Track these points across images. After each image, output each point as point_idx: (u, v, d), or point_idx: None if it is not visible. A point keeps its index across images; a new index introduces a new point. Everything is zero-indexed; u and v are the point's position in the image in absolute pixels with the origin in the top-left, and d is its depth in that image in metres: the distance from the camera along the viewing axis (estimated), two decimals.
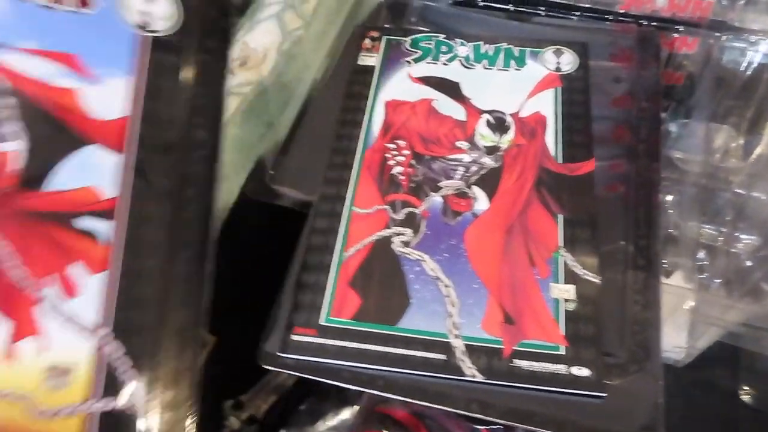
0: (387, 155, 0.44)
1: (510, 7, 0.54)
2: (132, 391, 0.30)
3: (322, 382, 0.37)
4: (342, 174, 0.44)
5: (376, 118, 0.46)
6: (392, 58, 0.49)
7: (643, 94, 0.49)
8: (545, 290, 0.39)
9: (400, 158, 0.44)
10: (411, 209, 0.42)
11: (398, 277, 0.39)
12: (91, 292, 0.31)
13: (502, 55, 0.49)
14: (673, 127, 0.55)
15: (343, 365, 0.37)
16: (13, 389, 0.29)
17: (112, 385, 0.30)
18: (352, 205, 0.42)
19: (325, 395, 0.46)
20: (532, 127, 0.45)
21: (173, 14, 0.35)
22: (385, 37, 0.50)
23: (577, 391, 0.36)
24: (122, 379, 0.30)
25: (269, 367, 0.38)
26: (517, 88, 0.47)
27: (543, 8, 0.53)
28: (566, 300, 0.38)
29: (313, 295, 0.39)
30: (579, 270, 0.39)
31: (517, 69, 0.49)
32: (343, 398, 0.45)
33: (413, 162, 0.44)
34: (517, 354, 0.37)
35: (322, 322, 0.38)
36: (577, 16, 0.53)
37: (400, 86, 0.48)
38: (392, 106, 0.47)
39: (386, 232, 0.41)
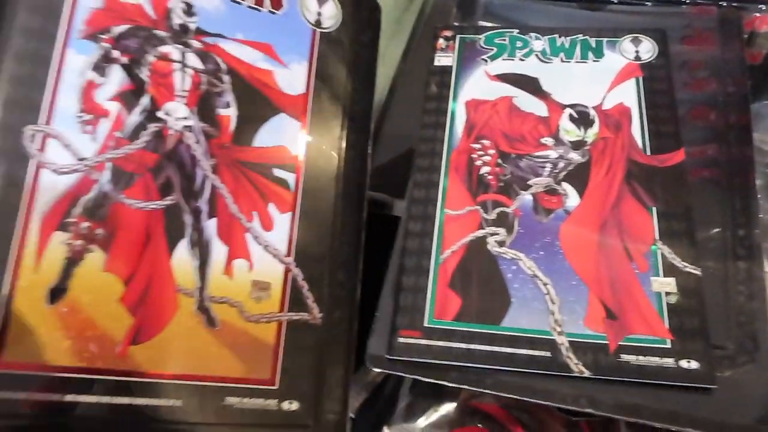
0: (473, 156, 0.45)
1: None
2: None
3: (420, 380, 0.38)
4: (430, 177, 0.44)
5: (458, 119, 0.47)
6: (468, 57, 0.50)
7: (727, 76, 0.48)
8: (645, 284, 0.39)
9: (487, 158, 0.45)
10: (503, 209, 0.43)
11: (497, 277, 0.40)
12: (281, 227, 0.38)
13: (579, 47, 0.49)
14: (753, 109, 0.54)
15: (449, 365, 0.38)
16: (230, 297, 0.36)
17: (296, 301, 0.38)
18: (443, 207, 0.43)
19: (422, 392, 0.47)
20: (616, 119, 0.45)
21: (336, 14, 0.44)
22: (458, 36, 0.51)
23: (687, 383, 0.36)
24: (303, 298, 0.38)
25: (377, 369, 0.39)
26: (597, 80, 0.47)
27: None
28: (667, 293, 0.38)
29: (414, 298, 0.40)
30: (678, 262, 0.39)
31: (595, 60, 0.48)
32: (439, 395, 0.46)
33: (500, 161, 0.44)
34: (623, 349, 0.37)
35: (426, 324, 0.39)
36: (651, 1, 0.52)
37: (479, 85, 0.48)
38: (473, 105, 0.47)
39: (480, 233, 0.42)
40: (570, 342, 0.37)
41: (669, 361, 0.36)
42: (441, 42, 0.51)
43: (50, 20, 0.34)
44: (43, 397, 0.30)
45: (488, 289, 0.40)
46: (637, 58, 0.48)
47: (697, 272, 0.39)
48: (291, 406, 0.36)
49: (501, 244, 0.41)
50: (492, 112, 0.47)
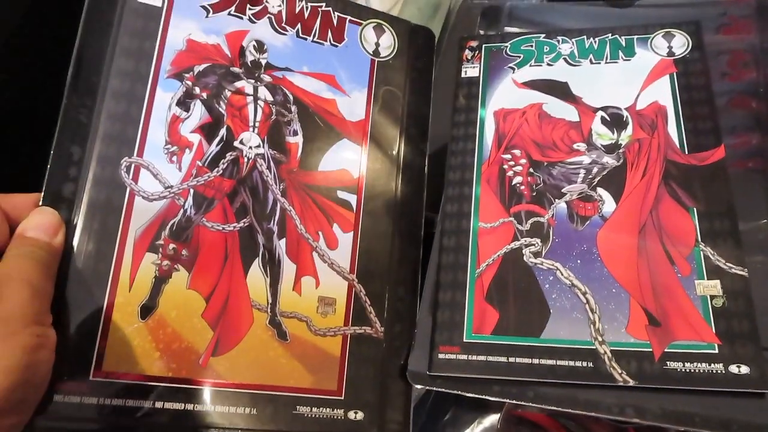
0: (504, 166, 0.45)
1: None
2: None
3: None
4: (462, 190, 0.45)
5: (488, 130, 0.47)
6: (495, 66, 0.50)
7: (767, 62, 0.46)
8: (689, 288, 0.38)
9: (518, 168, 0.45)
10: (537, 218, 0.42)
11: (534, 288, 0.40)
12: (344, 245, 0.41)
13: (608, 47, 0.48)
14: None
15: (491, 379, 0.38)
16: (299, 312, 0.39)
17: (359, 315, 0.40)
18: (477, 220, 0.43)
19: (466, 404, 0.47)
20: (651, 119, 0.44)
21: (392, 44, 0.47)
22: (484, 46, 0.51)
23: (739, 389, 0.35)
24: (366, 312, 0.40)
25: (419, 386, 0.40)
26: (629, 79, 0.46)
27: None
28: (712, 296, 0.37)
29: (452, 313, 0.40)
30: (723, 264, 0.38)
31: (626, 59, 0.47)
32: (483, 406, 0.47)
33: (532, 170, 0.44)
34: (669, 356, 0.36)
35: (465, 339, 0.39)
36: None
37: (507, 94, 0.48)
38: (501, 115, 0.47)
39: (515, 245, 0.42)
40: (612, 351, 0.37)
41: (718, 367, 0.35)
42: (467, 53, 0.51)
43: (143, 63, 0.39)
44: (135, 404, 0.34)
45: (526, 301, 0.40)
46: (671, 53, 0.47)
47: (744, 273, 0.38)
48: (356, 416, 0.38)
49: (537, 254, 0.41)
50: (521, 120, 0.46)
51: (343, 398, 0.38)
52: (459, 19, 0.57)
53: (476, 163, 0.45)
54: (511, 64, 0.49)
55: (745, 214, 0.40)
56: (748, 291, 0.37)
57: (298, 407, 0.37)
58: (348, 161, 0.43)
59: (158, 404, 0.34)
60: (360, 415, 0.38)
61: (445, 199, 0.45)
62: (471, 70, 0.50)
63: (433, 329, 0.40)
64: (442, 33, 0.56)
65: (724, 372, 0.35)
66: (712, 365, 0.35)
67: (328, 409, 0.37)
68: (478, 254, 0.42)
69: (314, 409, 0.37)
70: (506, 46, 0.50)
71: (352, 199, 0.42)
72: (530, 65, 0.49)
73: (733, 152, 0.43)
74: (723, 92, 0.46)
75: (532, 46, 0.50)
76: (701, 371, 0.35)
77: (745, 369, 0.35)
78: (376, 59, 0.46)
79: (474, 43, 0.51)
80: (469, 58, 0.51)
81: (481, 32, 0.54)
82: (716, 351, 0.36)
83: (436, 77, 0.49)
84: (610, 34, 0.49)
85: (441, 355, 0.39)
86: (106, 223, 0.35)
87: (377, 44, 0.46)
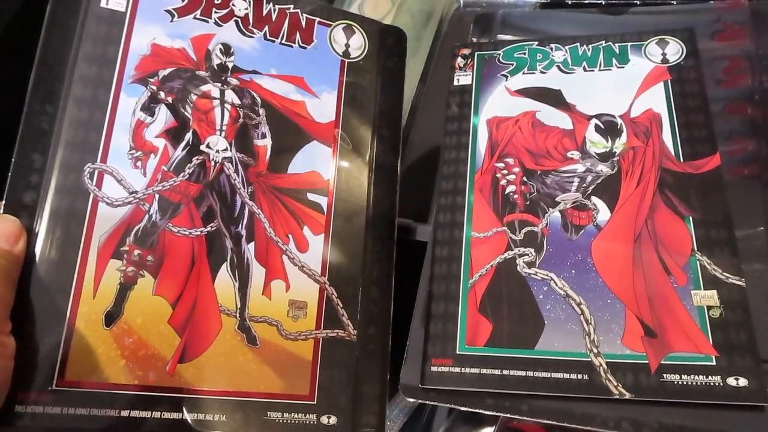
0: (497, 175, 0.44)
1: (602, 1, 0.52)
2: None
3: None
4: (455, 199, 0.44)
5: (481, 139, 0.46)
6: (487, 74, 0.49)
7: (763, 69, 0.46)
8: (685, 298, 0.37)
9: (511, 176, 0.44)
10: (530, 228, 0.42)
11: (528, 299, 0.39)
12: (315, 248, 0.40)
13: (602, 55, 0.48)
14: None
15: (484, 392, 0.37)
16: (268, 316, 0.38)
17: (331, 319, 0.39)
18: (470, 230, 0.43)
19: (460, 416, 0.46)
20: (645, 126, 0.44)
21: (363, 44, 0.46)
22: (477, 54, 0.50)
23: (737, 402, 0.34)
24: (338, 315, 0.39)
25: (412, 399, 0.39)
26: (623, 87, 0.46)
27: None
28: (709, 307, 0.37)
29: (445, 325, 0.40)
30: (719, 273, 0.37)
31: (620, 67, 0.47)
32: (478, 418, 0.46)
33: (525, 179, 0.44)
34: (666, 368, 0.35)
35: (458, 351, 0.39)
36: (677, 0, 0.50)
37: (500, 102, 0.48)
38: (494, 123, 0.47)
39: (509, 254, 0.41)
40: (608, 363, 0.36)
41: (715, 380, 0.35)
42: (459, 61, 0.50)
43: (106, 68, 0.38)
44: (100, 413, 0.33)
45: (519, 312, 0.39)
46: (665, 60, 0.46)
47: (741, 283, 0.37)
48: (329, 420, 0.37)
49: (530, 264, 0.40)
50: (514, 129, 0.46)
51: (315, 403, 0.37)
52: (452, 26, 0.57)
53: (469, 172, 0.45)
54: (503, 72, 0.49)
55: (742, 221, 0.40)
56: (746, 301, 0.36)
57: (269, 413, 0.36)
58: (318, 163, 0.42)
59: (124, 413, 0.33)
60: (333, 420, 0.37)
61: (438, 209, 0.44)
62: (463, 78, 0.50)
63: (426, 341, 0.40)
64: (434, 41, 0.55)
65: (722, 384, 0.34)
66: (710, 377, 0.35)
67: (300, 415, 0.37)
68: (471, 264, 0.41)
69: (286, 415, 0.36)
70: (499, 54, 0.50)
71: (323, 201, 0.41)
72: (523, 73, 0.49)
73: (729, 158, 0.43)
74: (719, 98, 0.46)
75: (525, 53, 0.49)
76: (699, 384, 0.35)
77: (743, 381, 0.34)
78: (347, 60, 0.45)
79: (466, 51, 0.51)
80: (462, 65, 0.50)
81: (474, 40, 0.54)
82: (714, 363, 0.35)
83: (429, 85, 0.48)
84: (603, 42, 0.48)
85: (434, 368, 0.39)
86: (68, 230, 0.35)
87: (347, 45, 0.45)
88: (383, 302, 0.41)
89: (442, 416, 0.47)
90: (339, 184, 0.42)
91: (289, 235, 0.40)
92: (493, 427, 0.45)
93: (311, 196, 0.41)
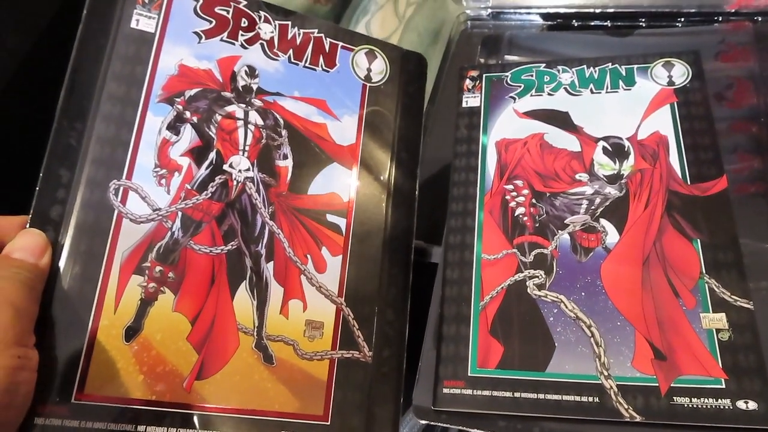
0: (507, 197, 0.45)
1: (608, 23, 0.53)
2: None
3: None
4: (465, 221, 0.45)
5: (490, 161, 0.47)
6: (496, 96, 0.50)
7: (767, 88, 0.46)
8: (694, 321, 0.38)
9: (521, 199, 0.45)
10: (540, 250, 0.42)
11: (538, 321, 0.40)
12: (333, 269, 0.41)
13: (608, 77, 0.48)
14: None
15: (496, 415, 0.38)
16: (285, 335, 0.38)
17: (347, 340, 0.39)
18: (480, 252, 0.43)
19: None
20: (653, 149, 0.44)
21: (384, 69, 0.47)
22: (485, 76, 0.51)
23: (747, 426, 0.34)
24: (354, 336, 0.40)
25: (424, 421, 0.39)
26: (630, 109, 0.46)
27: (644, 19, 0.51)
28: (718, 330, 0.37)
29: (456, 347, 0.40)
30: (728, 296, 0.38)
31: (626, 89, 0.47)
32: None
33: (534, 201, 0.44)
34: (675, 391, 0.36)
35: (470, 373, 0.39)
36: (681, 22, 0.51)
37: (508, 124, 0.48)
38: (503, 145, 0.47)
39: (519, 276, 0.42)
40: (618, 386, 0.37)
41: (725, 403, 0.35)
42: (467, 83, 0.51)
43: (134, 87, 0.39)
44: (117, 428, 0.33)
45: (530, 335, 0.40)
46: (671, 83, 0.47)
47: (749, 306, 0.37)
48: None
49: (540, 287, 0.41)
50: (523, 151, 0.47)
51: (329, 423, 0.37)
52: (459, 47, 0.57)
53: (479, 194, 0.45)
54: (512, 94, 0.50)
55: (749, 239, 0.40)
56: (754, 324, 0.37)
57: None
58: (338, 185, 0.43)
59: (140, 428, 0.34)
60: None
61: (448, 231, 0.45)
62: (472, 100, 0.50)
63: (438, 363, 0.40)
64: (442, 62, 0.56)
65: (731, 408, 0.35)
66: (720, 401, 0.35)
67: None
68: (482, 286, 0.42)
69: None
70: (507, 76, 0.51)
71: (342, 222, 0.42)
72: (531, 95, 0.49)
73: (736, 177, 0.43)
74: (724, 118, 0.46)
75: (532, 75, 0.50)
76: (708, 407, 0.35)
77: (752, 405, 0.35)
78: (368, 84, 0.46)
79: (474, 73, 0.51)
80: (470, 87, 0.51)
81: (482, 61, 0.55)
82: (723, 386, 0.36)
83: (437, 106, 0.49)
84: (610, 64, 0.49)
85: (446, 390, 0.39)
86: (92, 245, 0.35)
87: (369, 69, 0.46)
88: (398, 325, 0.41)
89: None
90: (358, 206, 0.43)
91: (308, 255, 0.40)
92: None
93: (330, 218, 0.42)
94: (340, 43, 0.46)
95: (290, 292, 0.39)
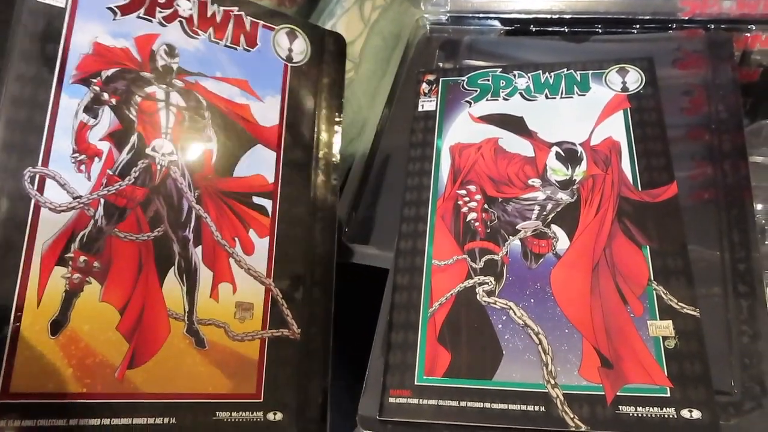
0: (459, 202, 0.44)
1: (564, 29, 0.53)
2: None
3: None
4: (417, 226, 0.44)
5: (444, 165, 0.46)
6: (451, 100, 0.49)
7: (719, 97, 0.47)
8: (641, 328, 0.37)
9: (473, 204, 0.44)
10: (490, 256, 0.42)
11: (486, 329, 0.39)
12: (260, 251, 0.41)
13: (563, 82, 0.48)
14: (752, 129, 0.52)
15: (442, 424, 0.37)
16: (216, 318, 0.38)
17: (276, 319, 0.40)
18: (431, 257, 0.42)
19: None
20: (605, 154, 0.44)
21: (305, 49, 0.47)
22: (442, 80, 0.50)
23: None
24: (283, 315, 0.40)
25: None
26: (583, 115, 0.46)
27: (600, 26, 0.51)
28: (665, 337, 0.37)
29: (404, 355, 0.39)
30: (675, 304, 0.38)
31: (581, 95, 0.47)
32: None
33: (486, 206, 0.44)
34: (621, 400, 0.35)
35: (416, 382, 0.38)
36: (637, 29, 0.51)
37: (463, 128, 0.48)
38: (457, 150, 0.47)
39: (468, 283, 0.41)
40: (565, 395, 0.36)
41: (670, 411, 0.35)
42: (424, 86, 0.51)
43: (45, 67, 0.37)
44: (48, 424, 0.32)
45: (478, 342, 0.39)
46: (624, 89, 0.47)
47: (696, 313, 0.37)
48: (275, 417, 0.38)
49: (490, 293, 0.40)
50: (477, 155, 0.46)
51: (261, 400, 0.38)
52: (418, 51, 0.57)
53: (431, 199, 0.45)
54: (467, 98, 0.49)
55: (699, 246, 0.40)
56: (701, 332, 0.37)
57: (218, 413, 0.36)
58: (263, 167, 0.42)
59: (73, 422, 0.33)
60: (279, 416, 0.38)
61: (400, 236, 0.44)
62: (428, 104, 0.50)
63: (385, 372, 0.39)
64: (400, 66, 0.55)
65: (675, 417, 0.35)
66: (664, 409, 0.35)
67: (247, 413, 0.37)
68: (431, 293, 0.41)
69: (234, 414, 0.37)
70: (463, 80, 0.50)
71: (268, 204, 0.42)
72: (487, 99, 0.49)
73: (690, 183, 0.43)
74: (679, 125, 0.46)
75: (488, 80, 0.50)
76: (653, 416, 0.35)
77: (696, 413, 0.34)
78: (290, 64, 0.46)
79: (431, 77, 0.51)
80: (426, 91, 0.50)
81: (440, 65, 0.54)
82: (668, 395, 0.35)
83: (394, 111, 0.48)
84: (565, 69, 0.49)
85: (392, 399, 0.38)
86: (9, 238, 0.34)
87: (290, 49, 0.46)
88: (325, 303, 0.42)
89: None
90: (282, 188, 0.43)
91: (236, 238, 0.40)
92: None
93: (256, 200, 0.42)
94: (261, 22, 0.45)
95: (219, 276, 0.39)
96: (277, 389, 0.38)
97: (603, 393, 0.36)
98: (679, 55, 0.50)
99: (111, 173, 0.37)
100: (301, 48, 0.46)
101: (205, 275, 0.39)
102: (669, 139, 0.44)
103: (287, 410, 0.38)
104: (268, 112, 0.44)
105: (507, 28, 0.55)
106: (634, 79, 0.47)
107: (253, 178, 0.42)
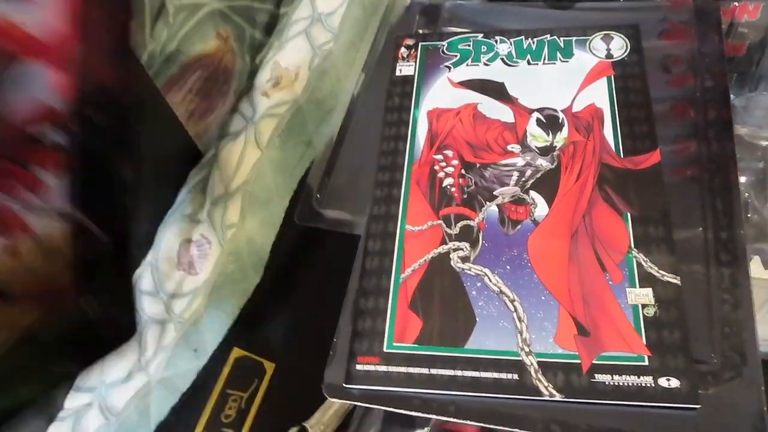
0: (435, 167, 0.43)
1: None
2: None
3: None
4: (391, 191, 0.42)
5: (420, 130, 0.44)
6: (431, 65, 0.48)
7: (705, 69, 0.45)
8: (620, 296, 0.36)
9: (450, 169, 0.42)
10: (466, 222, 0.40)
11: (460, 295, 0.37)
12: None
13: (546, 48, 0.46)
14: (737, 102, 0.51)
15: (411, 392, 0.35)
16: None
17: None
18: (404, 223, 0.41)
19: (394, 418, 0.44)
20: (587, 121, 0.43)
21: None
22: (421, 44, 0.49)
23: (668, 404, 0.33)
24: None
25: (334, 400, 0.37)
26: (566, 81, 0.45)
27: None
28: (644, 305, 0.36)
29: (373, 322, 0.38)
30: (655, 271, 0.36)
31: (564, 61, 0.46)
32: (411, 420, 0.44)
33: (463, 172, 0.42)
34: (597, 368, 0.34)
35: (385, 348, 0.37)
36: None
37: (442, 93, 0.46)
38: (435, 115, 0.45)
39: (443, 249, 0.39)
40: (539, 363, 0.35)
41: (647, 380, 0.33)
42: (403, 51, 0.49)
43: None
44: None
45: (451, 309, 0.37)
46: (609, 55, 0.46)
47: (677, 281, 0.36)
48: None
49: (465, 259, 0.39)
50: (455, 120, 0.44)
51: None
52: (397, 17, 0.55)
53: (406, 164, 0.43)
54: (447, 63, 0.47)
55: (682, 222, 0.39)
56: (681, 300, 0.35)
57: None
58: None
59: None
60: None
61: (373, 201, 0.42)
62: (406, 69, 0.48)
63: (353, 338, 0.37)
64: (378, 31, 0.53)
65: (653, 385, 0.33)
66: (642, 378, 0.33)
67: None
68: (403, 259, 0.39)
69: None
70: (443, 45, 0.48)
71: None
72: (467, 64, 0.47)
73: (673, 159, 0.42)
74: (664, 98, 0.45)
75: (469, 45, 0.48)
76: (630, 384, 0.33)
77: (675, 382, 0.33)
78: None
79: (410, 42, 0.49)
80: (405, 56, 0.49)
81: (420, 32, 0.52)
82: (646, 363, 0.34)
83: (371, 75, 0.47)
84: (548, 35, 0.47)
85: (359, 366, 0.36)
86: None
87: None
88: None
89: (375, 420, 0.45)
90: None
91: None
92: (426, 429, 0.43)
93: None
94: None
95: None
96: None
97: (579, 361, 0.34)
98: (666, 26, 0.49)
99: None
100: None
101: None
102: (654, 112, 0.43)
103: None
104: None
105: None
106: (619, 45, 0.46)
107: None
